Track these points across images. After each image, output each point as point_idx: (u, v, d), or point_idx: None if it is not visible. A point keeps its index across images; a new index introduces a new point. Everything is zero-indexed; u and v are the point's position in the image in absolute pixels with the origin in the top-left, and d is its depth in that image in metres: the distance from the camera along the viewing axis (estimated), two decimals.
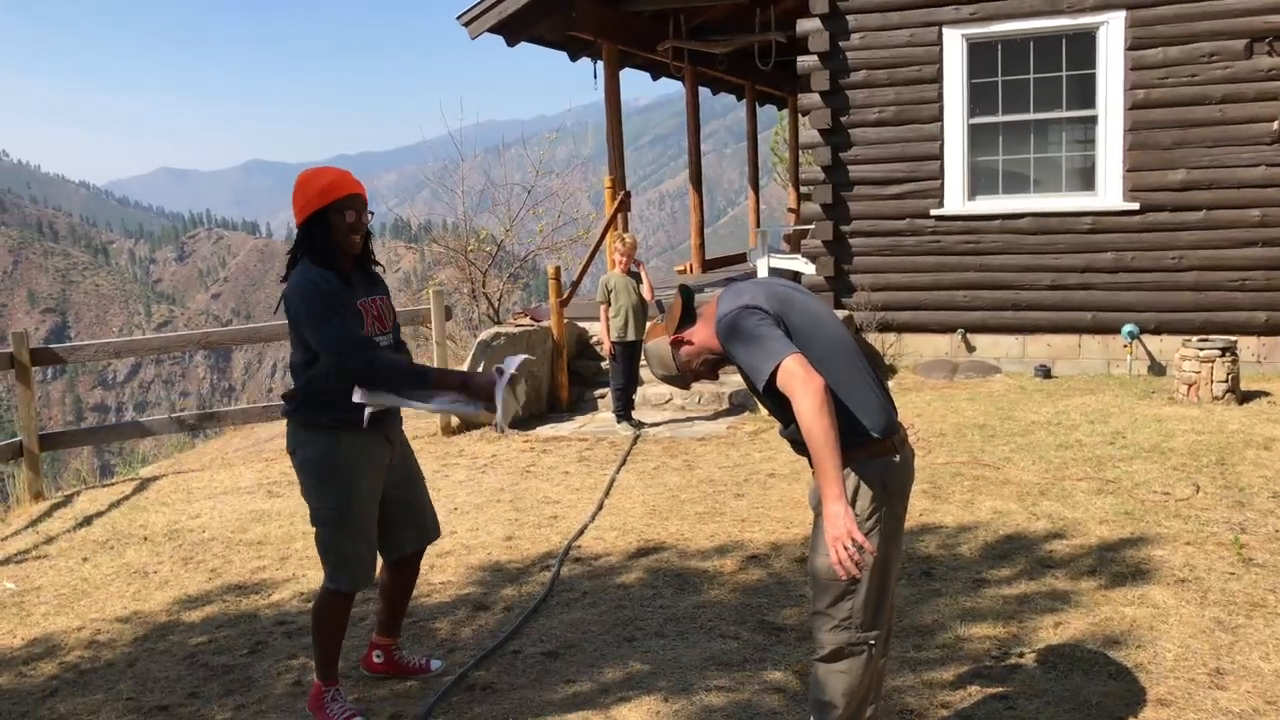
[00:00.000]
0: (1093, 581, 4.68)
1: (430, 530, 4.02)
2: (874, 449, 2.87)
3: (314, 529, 3.71)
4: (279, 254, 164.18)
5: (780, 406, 2.83)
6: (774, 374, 2.72)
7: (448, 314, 8.93)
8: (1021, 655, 3.98)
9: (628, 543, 5.59)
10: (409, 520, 3.90)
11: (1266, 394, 8.14)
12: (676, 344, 3.07)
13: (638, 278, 8.64)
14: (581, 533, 5.80)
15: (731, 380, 9.41)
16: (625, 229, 11.18)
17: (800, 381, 2.67)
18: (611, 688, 3.92)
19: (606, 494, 6.56)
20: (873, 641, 2.91)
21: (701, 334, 3.04)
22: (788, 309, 2.87)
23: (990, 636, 4.17)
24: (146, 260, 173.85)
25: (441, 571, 5.34)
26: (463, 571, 5.33)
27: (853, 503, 2.83)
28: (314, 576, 5.37)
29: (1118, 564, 4.87)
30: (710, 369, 3.09)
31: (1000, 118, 9.53)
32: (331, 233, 3.56)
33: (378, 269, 3.86)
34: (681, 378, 3.13)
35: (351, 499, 3.63)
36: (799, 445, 2.89)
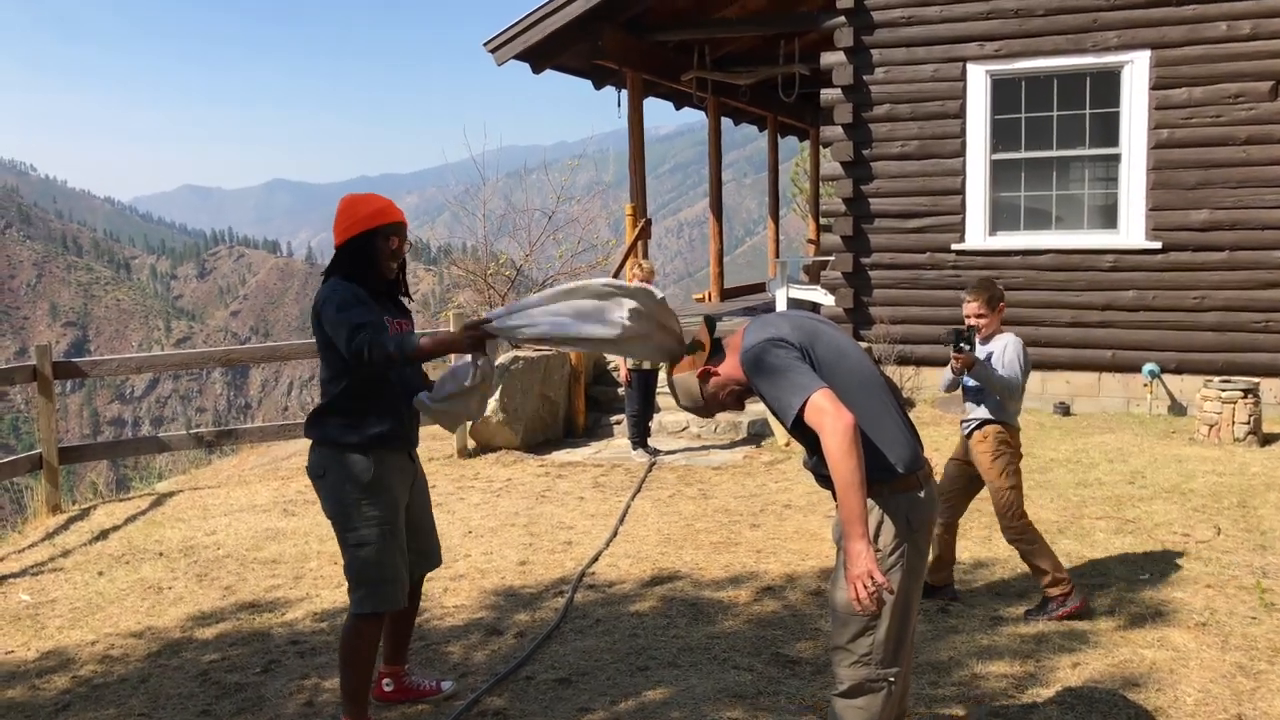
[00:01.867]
0: (1111, 622, 4.64)
1: (435, 556, 4.02)
2: (899, 484, 2.86)
3: (348, 553, 3.66)
4: (298, 273, 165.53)
5: (807, 438, 2.83)
6: (802, 409, 2.71)
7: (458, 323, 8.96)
8: (1039, 694, 3.94)
9: (642, 571, 5.57)
10: (419, 545, 3.89)
11: None
12: (704, 376, 3.06)
13: None
14: (595, 559, 5.79)
15: (750, 409, 9.40)
16: (645, 256, 11.21)
17: (831, 417, 2.65)
18: (624, 716, 3.90)
19: (621, 521, 6.54)
20: (892, 679, 2.89)
21: (728, 365, 3.03)
22: (813, 341, 2.87)
23: (1006, 675, 4.13)
24: (168, 276, 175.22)
25: (455, 595, 5.33)
26: (476, 595, 5.32)
27: (876, 538, 2.82)
28: (328, 596, 5.37)
29: (1137, 605, 4.82)
30: (736, 400, 3.08)
31: (1023, 154, 9.54)
32: (375, 255, 3.63)
33: (405, 300, 3.90)
34: (707, 408, 3.12)
35: (393, 516, 3.65)
36: (823, 478, 2.88)
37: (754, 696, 4.04)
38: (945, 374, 4.96)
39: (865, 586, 2.64)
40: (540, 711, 3.98)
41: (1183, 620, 4.62)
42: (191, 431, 8.53)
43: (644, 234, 11.12)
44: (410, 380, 3.73)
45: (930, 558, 4.78)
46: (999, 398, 4.83)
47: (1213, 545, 5.63)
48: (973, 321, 4.90)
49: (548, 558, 5.89)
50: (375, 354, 3.40)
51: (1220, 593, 4.93)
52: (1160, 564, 5.36)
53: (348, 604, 3.76)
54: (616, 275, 10.40)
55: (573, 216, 19.26)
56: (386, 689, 4.09)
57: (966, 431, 4.92)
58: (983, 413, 4.84)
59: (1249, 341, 8.91)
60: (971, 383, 4.85)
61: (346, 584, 3.72)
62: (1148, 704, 3.84)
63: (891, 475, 2.85)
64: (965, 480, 4.98)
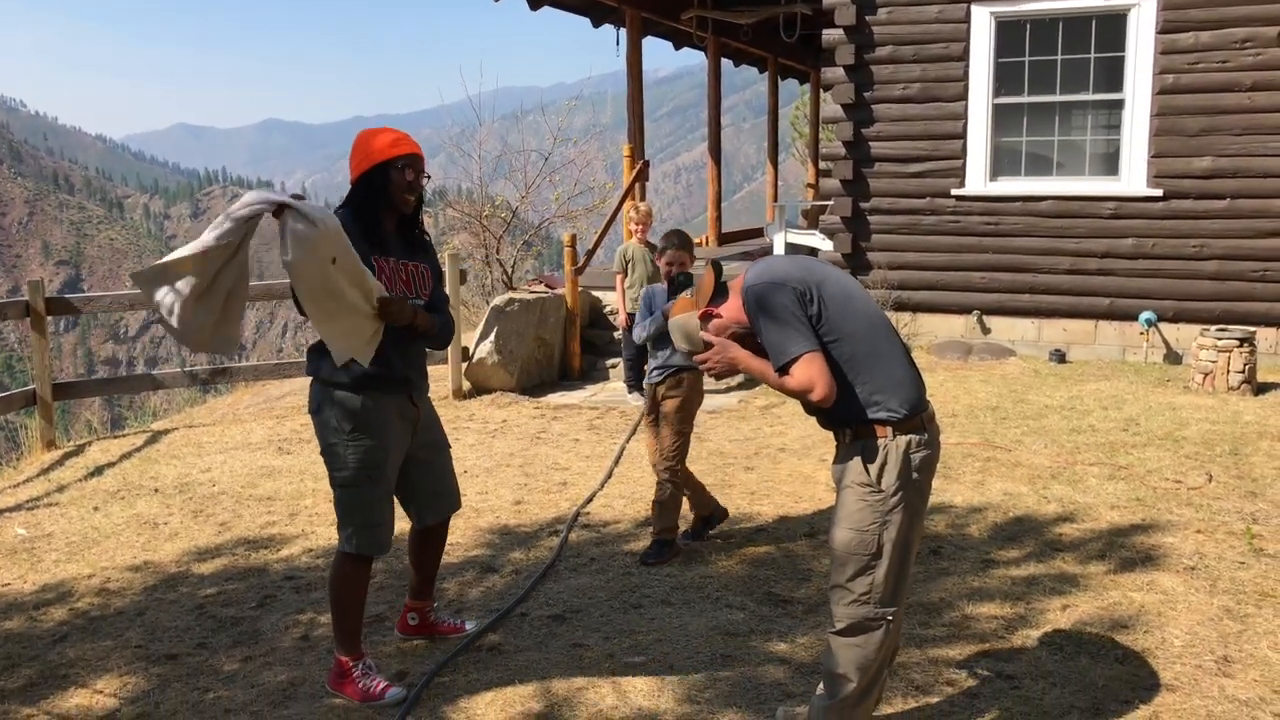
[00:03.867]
0: (1101, 566, 4.67)
1: (452, 501, 3.98)
2: (904, 426, 2.87)
3: (334, 491, 3.65)
4: None
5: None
6: (795, 360, 2.78)
7: (462, 278, 8.91)
8: (1028, 636, 3.98)
9: (636, 511, 5.59)
10: (432, 488, 3.87)
11: None
12: (706, 317, 3.04)
13: (654, 249, 8.56)
14: (590, 500, 5.81)
15: None
16: (643, 199, 11.12)
17: (818, 387, 2.76)
18: (617, 653, 3.93)
19: (616, 463, 6.56)
20: (890, 617, 2.91)
21: (730, 307, 3.02)
22: (821, 283, 2.87)
23: (997, 616, 4.17)
24: (161, 216, 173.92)
25: (450, 533, 5.29)
26: (471, 534, 5.34)
27: (879, 479, 2.85)
28: (323, 533, 5.39)
29: (1127, 549, 4.85)
30: (735, 340, 3.06)
31: (1026, 98, 9.43)
32: (389, 188, 3.56)
33: (425, 236, 3.82)
34: (695, 346, 3.11)
35: (378, 459, 3.60)
36: (825, 420, 2.93)
37: (746, 634, 4.07)
38: (646, 325, 4.95)
39: (718, 360, 2.94)
40: (534, 647, 4.01)
41: (1172, 565, 4.66)
42: (186, 369, 8.51)
43: (641, 176, 11.02)
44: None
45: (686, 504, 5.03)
46: None
47: (1204, 492, 5.66)
48: (677, 270, 4.89)
49: (543, 498, 5.91)
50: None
51: (1210, 538, 4.97)
52: (1151, 510, 5.39)
53: None
54: (614, 218, 10.34)
55: (569, 159, 19.09)
56: (411, 622, 4.11)
57: (660, 378, 4.95)
58: (679, 359, 4.86)
59: (1246, 290, 8.89)
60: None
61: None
62: (1135, 645, 3.87)
63: (897, 417, 2.86)
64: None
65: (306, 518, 5.69)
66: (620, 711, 3.50)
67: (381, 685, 3.64)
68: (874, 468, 2.85)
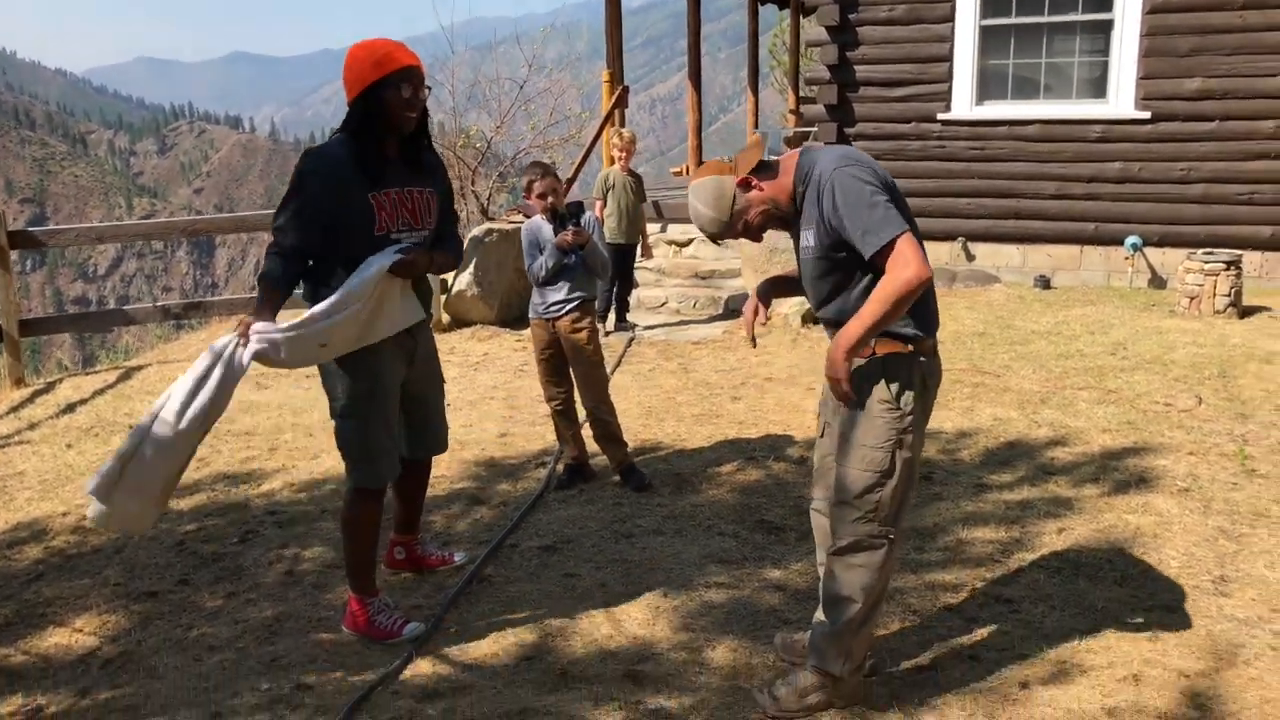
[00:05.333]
0: (1095, 489, 4.64)
1: (442, 440, 3.86)
2: (924, 346, 2.83)
3: (336, 423, 3.49)
4: (262, 149, 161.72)
5: (837, 279, 2.77)
6: (893, 243, 2.57)
7: None
8: (1024, 560, 3.94)
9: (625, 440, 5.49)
10: (423, 423, 3.73)
11: (1268, 309, 8.05)
12: (744, 185, 2.83)
13: (637, 177, 8.36)
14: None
15: (728, 284, 9.28)
16: (623, 126, 10.88)
17: (914, 267, 2.56)
18: (610, 582, 3.87)
19: None
20: (893, 535, 2.85)
21: (776, 185, 2.84)
22: (892, 188, 2.74)
23: (992, 540, 4.13)
24: (126, 152, 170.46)
25: (436, 466, 5.19)
26: (457, 467, 5.24)
27: (898, 397, 2.79)
28: (304, 468, 5.28)
29: (1120, 472, 4.82)
30: (762, 225, 2.90)
31: (1013, 19, 9.23)
32: (386, 109, 3.27)
33: (433, 154, 3.56)
34: (728, 226, 2.87)
35: (376, 388, 3.45)
36: (835, 325, 2.82)
37: (739, 561, 4.01)
38: (542, 260, 4.71)
39: (834, 383, 2.73)
40: (526, 578, 3.94)
41: (1165, 486, 4.62)
42: (158, 304, 8.30)
43: (621, 102, 10.77)
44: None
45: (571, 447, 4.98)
46: (594, 273, 4.79)
47: (1194, 414, 5.63)
48: (552, 200, 4.69)
49: (528, 429, 5.81)
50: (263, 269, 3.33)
51: (1202, 459, 4.94)
52: (1143, 433, 5.35)
53: (325, 475, 3.66)
54: (593, 145, 10.12)
55: (544, 89, 18.71)
56: (398, 556, 4.02)
57: (559, 312, 4.78)
58: (580, 291, 4.76)
59: (1232, 214, 8.82)
60: (569, 261, 4.71)
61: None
62: (1133, 568, 3.84)
63: (921, 336, 2.81)
64: (562, 361, 4.90)
65: (286, 452, 5.57)
66: (616, 641, 3.44)
67: (399, 622, 3.54)
68: (896, 385, 2.78)
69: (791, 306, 8.11)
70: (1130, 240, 9.07)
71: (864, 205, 2.62)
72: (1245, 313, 7.91)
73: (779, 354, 7.37)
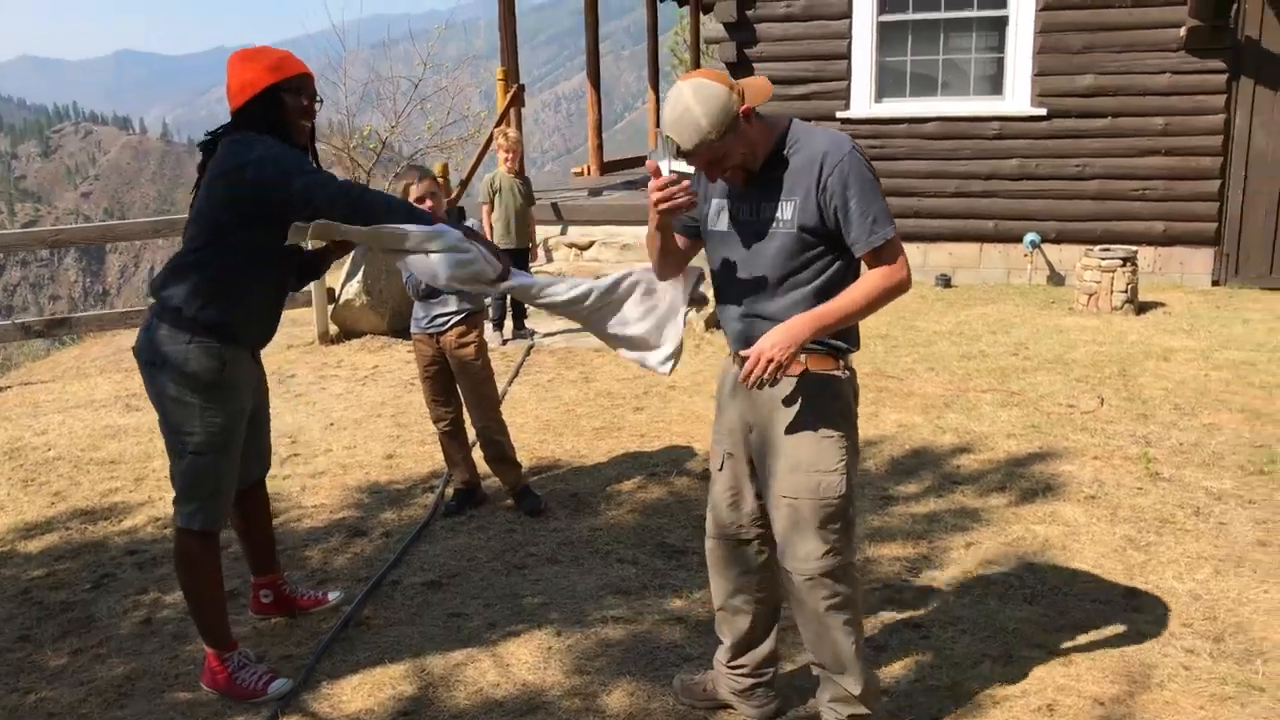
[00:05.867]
0: (1002, 498, 4.52)
1: (268, 462, 3.57)
2: (850, 360, 2.66)
3: (180, 460, 3.13)
4: (154, 151, 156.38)
5: (797, 264, 2.52)
6: (891, 240, 2.46)
7: None
8: (934, 578, 3.78)
9: (520, 460, 5.21)
10: (254, 448, 3.41)
11: (1162, 304, 8.14)
12: (746, 115, 2.44)
13: (525, 180, 8.03)
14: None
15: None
16: (518, 126, 10.57)
17: (903, 268, 2.49)
18: (499, 621, 3.60)
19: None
20: (853, 561, 2.72)
21: (763, 135, 2.52)
22: None
23: (900, 558, 3.97)
24: (8, 155, 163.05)
25: (314, 493, 4.91)
26: (338, 494, 4.90)
27: (842, 413, 2.63)
28: (170, 499, 4.87)
29: (1027, 479, 4.72)
30: (733, 166, 2.51)
31: (910, 15, 9.19)
32: (282, 115, 3.04)
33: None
34: (710, 146, 2.42)
35: (235, 422, 3.14)
36: (764, 320, 2.58)
37: (638, 592, 3.78)
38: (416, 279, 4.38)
39: (765, 360, 2.44)
40: (408, 619, 3.65)
41: (1072, 494, 4.53)
42: (17, 321, 7.73)
43: (516, 101, 10.46)
44: (291, 262, 3.18)
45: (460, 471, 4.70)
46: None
47: (1097, 415, 5.58)
48: (431, 205, 4.29)
49: (417, 450, 5.49)
50: (369, 196, 2.99)
51: (1107, 464, 4.87)
52: (1047, 436, 5.28)
53: None
54: (488, 145, 9.79)
55: (441, 86, 18.28)
56: (265, 600, 3.67)
57: (444, 327, 4.49)
58: (466, 305, 4.49)
59: (1126, 210, 8.91)
60: None
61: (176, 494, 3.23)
62: (1043, 584, 3.71)
63: (853, 350, 2.66)
64: (449, 379, 4.61)
65: (154, 482, 5.16)
66: (503, 689, 3.17)
67: (264, 678, 3.21)
68: (839, 402, 2.60)
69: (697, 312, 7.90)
70: (1029, 237, 9.11)
71: (876, 195, 2.46)
72: (1141, 309, 7.97)
73: (683, 361, 7.15)
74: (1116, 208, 8.91)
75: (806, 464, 2.58)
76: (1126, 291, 7.86)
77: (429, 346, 4.58)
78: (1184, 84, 8.60)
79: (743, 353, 2.52)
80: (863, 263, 2.54)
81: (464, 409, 4.70)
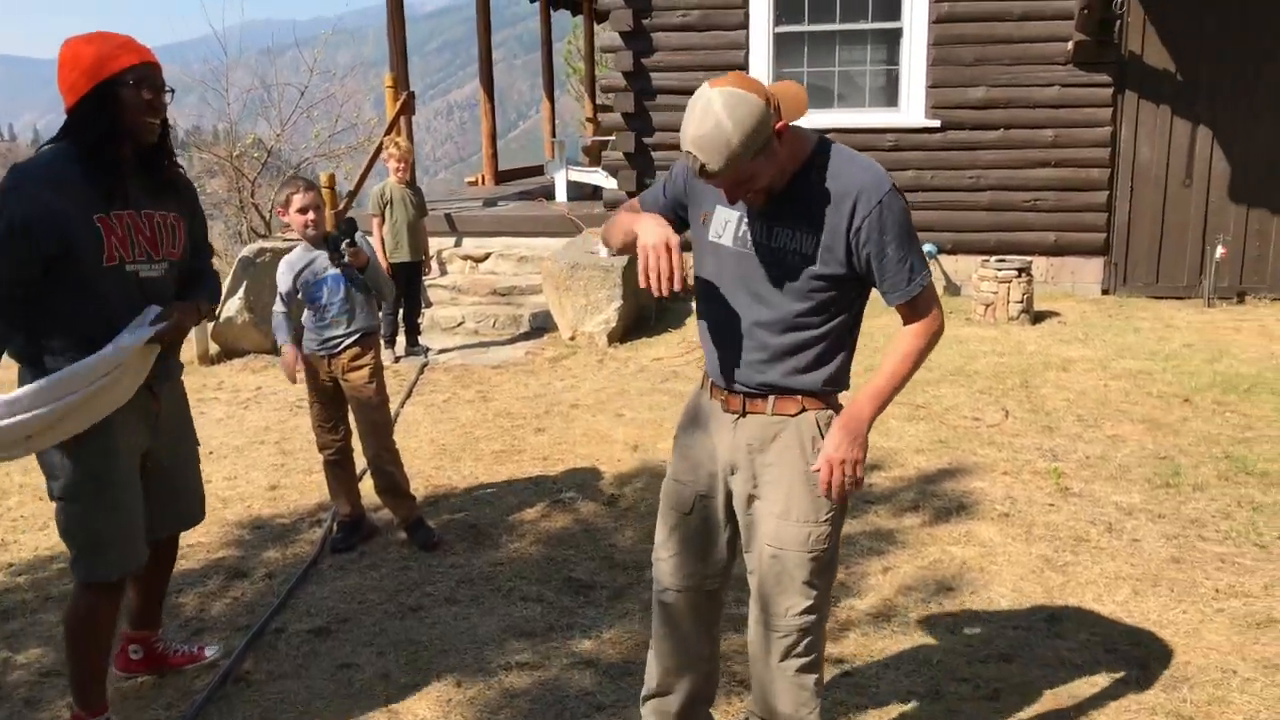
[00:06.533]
0: (916, 518, 4.42)
1: (195, 512, 3.21)
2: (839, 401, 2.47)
3: (56, 505, 2.82)
4: (24, 159, 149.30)
5: (809, 308, 2.32)
6: (929, 287, 2.32)
7: None
8: (854, 608, 3.64)
9: (414, 488, 4.88)
10: (170, 496, 3.07)
11: (1057, 314, 8.24)
12: (779, 134, 2.16)
13: (416, 190, 7.72)
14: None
15: (529, 301, 8.80)
16: (409, 136, 10.22)
17: (939, 317, 2.36)
18: (394, 671, 3.31)
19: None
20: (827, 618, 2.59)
21: (789, 154, 2.25)
22: None
23: None
24: None
25: (191, 532, 4.51)
26: (217, 530, 4.54)
27: None
28: (29, 542, 4.45)
29: (939, 497, 4.63)
30: (747, 193, 2.25)
31: (806, 27, 9.16)
32: (121, 112, 2.65)
33: (178, 172, 2.93)
34: (739, 164, 2.12)
35: (107, 468, 2.78)
36: (738, 373, 2.43)
37: (544, 633, 3.54)
38: (325, 298, 4.17)
39: (842, 465, 2.33)
40: (293, 672, 3.33)
41: (985, 512, 4.45)
42: None
43: (406, 109, 10.11)
44: (133, 297, 2.78)
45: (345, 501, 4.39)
46: (381, 296, 4.28)
47: (1003, 429, 5.55)
48: (313, 216, 4.12)
49: (303, 480, 5.14)
50: None
51: (1017, 479, 4.82)
52: (956, 451, 5.21)
53: (54, 551, 2.96)
54: (376, 156, 9.42)
55: (330, 93, 17.73)
56: (134, 657, 3.30)
57: (336, 348, 4.19)
58: (361, 323, 4.21)
59: (1019, 220, 9.02)
60: (340, 295, 4.16)
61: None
62: (964, 609, 3.60)
63: (846, 389, 2.47)
64: (340, 403, 4.32)
65: (8, 523, 4.70)
66: None
67: None
68: None
69: (597, 324, 7.70)
70: (926, 248, 9.15)
71: (913, 239, 2.29)
72: (1037, 318, 8.06)
73: (584, 376, 6.94)
74: (1010, 218, 9.02)
75: (798, 513, 2.36)
76: (1023, 301, 7.94)
77: (320, 368, 4.27)
78: (1072, 97, 8.75)
79: (814, 467, 2.35)
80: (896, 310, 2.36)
81: (353, 436, 4.39)
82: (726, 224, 2.39)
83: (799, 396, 2.38)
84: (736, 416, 2.44)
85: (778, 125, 2.15)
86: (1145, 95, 8.66)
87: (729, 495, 2.49)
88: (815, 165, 2.27)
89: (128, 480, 2.86)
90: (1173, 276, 8.87)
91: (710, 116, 2.08)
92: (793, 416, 2.39)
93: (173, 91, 2.77)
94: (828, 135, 2.37)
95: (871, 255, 2.25)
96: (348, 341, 4.21)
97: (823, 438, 2.38)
